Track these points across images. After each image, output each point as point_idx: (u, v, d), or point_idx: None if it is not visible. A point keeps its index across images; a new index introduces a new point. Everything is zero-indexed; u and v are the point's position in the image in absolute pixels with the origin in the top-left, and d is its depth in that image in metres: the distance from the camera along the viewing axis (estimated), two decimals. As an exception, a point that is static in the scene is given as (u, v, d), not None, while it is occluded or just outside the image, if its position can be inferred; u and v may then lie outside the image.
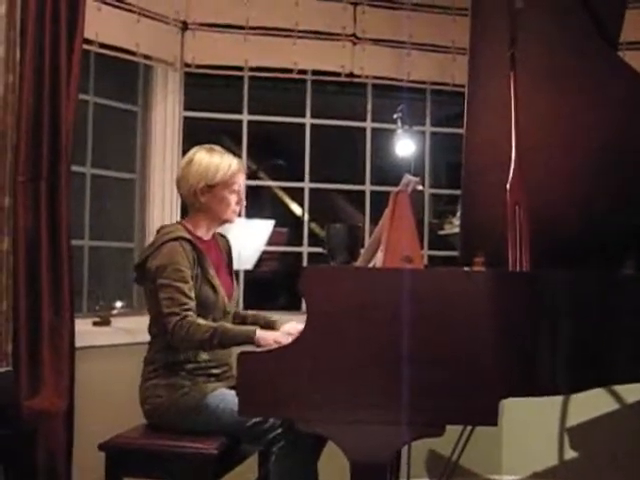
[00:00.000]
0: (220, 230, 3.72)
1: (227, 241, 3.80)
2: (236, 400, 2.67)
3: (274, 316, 3.77)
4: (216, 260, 3.61)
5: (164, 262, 3.36)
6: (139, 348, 3.55)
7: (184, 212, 4.69)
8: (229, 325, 3.40)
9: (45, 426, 3.68)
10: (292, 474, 3.20)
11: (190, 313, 3.29)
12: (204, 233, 3.60)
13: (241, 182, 3.60)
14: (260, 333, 3.27)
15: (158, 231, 3.59)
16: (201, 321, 3.28)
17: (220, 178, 3.51)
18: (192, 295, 3.35)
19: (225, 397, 3.33)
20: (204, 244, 3.55)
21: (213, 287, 3.47)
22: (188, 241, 3.43)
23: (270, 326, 3.64)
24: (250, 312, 3.85)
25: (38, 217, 3.72)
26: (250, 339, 3.24)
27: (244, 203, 3.66)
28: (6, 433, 3.19)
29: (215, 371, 3.48)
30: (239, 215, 3.69)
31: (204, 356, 3.44)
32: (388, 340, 2.55)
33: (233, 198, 3.56)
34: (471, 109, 3.20)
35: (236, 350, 3.31)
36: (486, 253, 2.90)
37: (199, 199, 3.53)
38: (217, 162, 3.54)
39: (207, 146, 3.61)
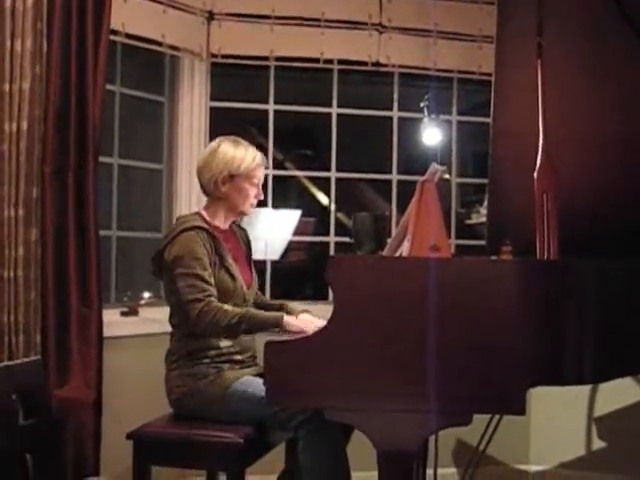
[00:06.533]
0: (245, 221, 3.72)
1: (246, 233, 3.81)
2: (262, 387, 2.68)
3: (300, 306, 3.76)
4: (234, 250, 3.61)
5: (181, 252, 3.37)
6: (167, 338, 3.56)
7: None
8: (256, 310, 3.42)
9: (73, 415, 3.70)
10: (321, 459, 3.18)
11: (213, 299, 3.30)
12: (221, 223, 3.61)
13: (261, 176, 3.62)
14: (287, 319, 3.30)
15: (176, 220, 3.61)
16: (227, 307, 3.29)
17: (244, 169, 3.53)
18: (212, 282, 3.36)
19: (251, 384, 3.33)
20: (222, 233, 3.56)
21: (231, 275, 3.47)
22: (204, 230, 3.44)
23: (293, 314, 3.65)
24: (276, 301, 3.86)
25: (66, 208, 3.74)
26: (278, 324, 3.27)
27: (261, 197, 3.66)
28: (35, 422, 3.20)
29: (239, 357, 3.48)
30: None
31: (226, 342, 3.44)
32: (415, 329, 2.55)
33: (252, 191, 3.58)
34: (498, 98, 3.19)
35: (259, 336, 3.32)
36: (513, 242, 2.89)
37: (219, 188, 3.54)
38: (242, 154, 3.55)
39: (232, 137, 3.62)
